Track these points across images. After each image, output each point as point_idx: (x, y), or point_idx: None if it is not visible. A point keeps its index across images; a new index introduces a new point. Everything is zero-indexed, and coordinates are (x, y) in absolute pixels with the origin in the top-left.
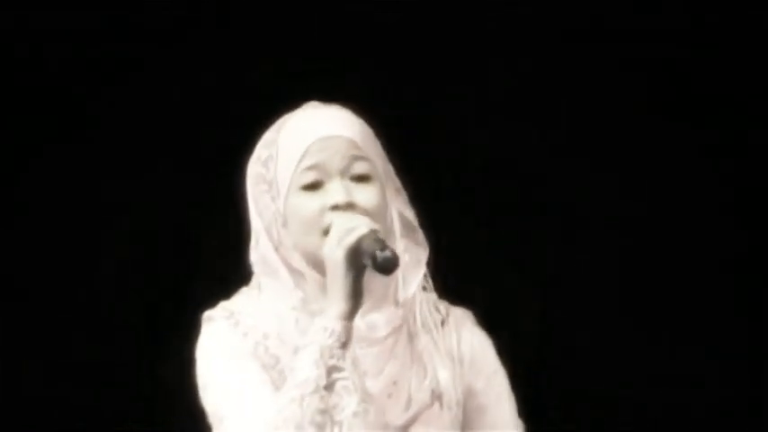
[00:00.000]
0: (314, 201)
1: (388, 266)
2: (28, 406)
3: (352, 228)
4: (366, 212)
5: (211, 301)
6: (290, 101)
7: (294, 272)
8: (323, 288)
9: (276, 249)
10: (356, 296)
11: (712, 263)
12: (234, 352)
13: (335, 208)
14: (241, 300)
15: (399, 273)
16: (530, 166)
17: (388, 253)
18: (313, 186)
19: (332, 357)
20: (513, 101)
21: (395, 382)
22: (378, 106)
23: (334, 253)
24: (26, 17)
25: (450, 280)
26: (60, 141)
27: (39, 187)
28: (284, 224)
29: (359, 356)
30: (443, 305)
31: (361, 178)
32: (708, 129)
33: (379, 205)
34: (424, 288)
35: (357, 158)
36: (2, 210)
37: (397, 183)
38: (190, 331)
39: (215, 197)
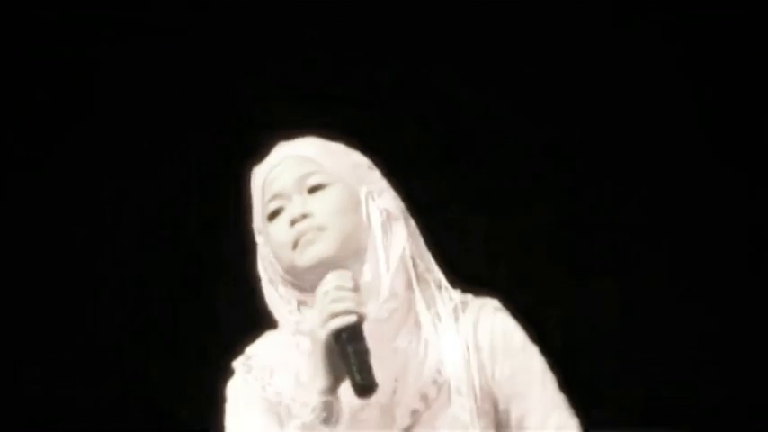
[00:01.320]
0: (280, 223)
1: (364, 392)
2: (28, 406)
3: (338, 312)
4: (325, 216)
5: (213, 300)
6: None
7: (286, 300)
8: (311, 305)
9: (277, 288)
10: (337, 371)
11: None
12: (241, 405)
13: (293, 222)
14: (261, 341)
15: (383, 262)
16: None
17: (366, 380)
18: (276, 213)
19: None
20: (523, 98)
21: (396, 379)
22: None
23: (318, 332)
24: (27, 15)
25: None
26: (61, 141)
27: (39, 187)
28: (275, 256)
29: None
30: (461, 295)
31: (317, 188)
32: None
33: (341, 207)
34: (439, 286)
35: (310, 173)
36: (2, 209)
37: (376, 185)
38: (190, 331)
39: (217, 198)
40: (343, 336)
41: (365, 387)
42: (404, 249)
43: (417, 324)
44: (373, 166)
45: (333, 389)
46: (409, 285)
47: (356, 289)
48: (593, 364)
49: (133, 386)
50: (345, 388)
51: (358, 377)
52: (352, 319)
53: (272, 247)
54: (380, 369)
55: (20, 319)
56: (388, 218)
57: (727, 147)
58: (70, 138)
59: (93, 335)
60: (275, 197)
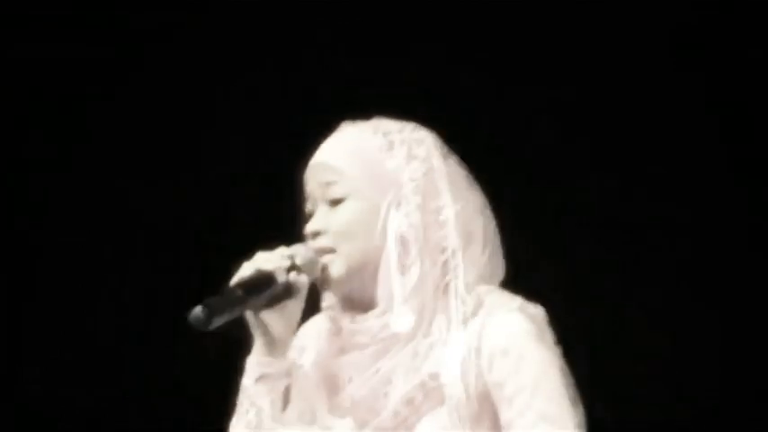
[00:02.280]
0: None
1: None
2: (28, 406)
3: (237, 273)
4: (337, 237)
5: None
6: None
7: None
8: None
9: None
10: (262, 330)
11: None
12: None
13: (309, 237)
14: (307, 323)
15: (397, 280)
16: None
17: (194, 310)
18: (309, 217)
19: (249, 395)
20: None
21: (390, 381)
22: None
23: None
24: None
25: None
26: (82, 141)
27: (39, 188)
28: None
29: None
30: (486, 292)
31: (336, 201)
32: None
33: (354, 225)
34: (457, 294)
35: (330, 183)
36: (8, 210)
37: (401, 192)
38: (190, 332)
39: (219, 199)
40: (242, 286)
41: (187, 319)
42: (419, 268)
43: (424, 334)
44: (419, 157)
45: (264, 350)
46: (423, 301)
47: (289, 257)
48: (592, 364)
49: (133, 386)
50: (334, 388)
51: (197, 307)
52: (247, 271)
53: None
54: (377, 377)
55: (20, 319)
56: (404, 234)
57: (727, 146)
58: (71, 138)
59: (94, 335)
60: (307, 198)
